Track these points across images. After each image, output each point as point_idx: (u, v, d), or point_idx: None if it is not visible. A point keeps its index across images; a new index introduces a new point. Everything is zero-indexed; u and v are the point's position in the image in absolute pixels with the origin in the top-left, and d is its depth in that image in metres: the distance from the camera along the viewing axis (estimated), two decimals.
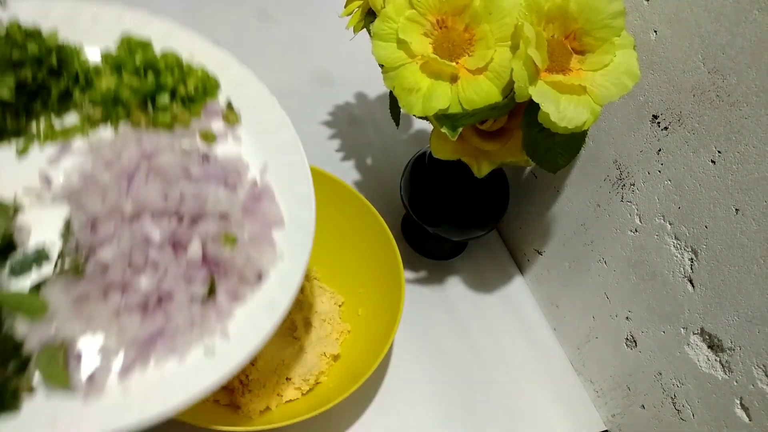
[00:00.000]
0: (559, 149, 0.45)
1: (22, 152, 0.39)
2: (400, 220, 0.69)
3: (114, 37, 0.42)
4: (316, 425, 0.51)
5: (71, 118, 0.41)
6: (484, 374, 0.60)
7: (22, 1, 0.41)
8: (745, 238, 0.41)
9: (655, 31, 0.45)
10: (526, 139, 0.44)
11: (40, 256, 0.36)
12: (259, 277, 0.38)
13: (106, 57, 0.42)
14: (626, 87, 0.40)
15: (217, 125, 0.43)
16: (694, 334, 0.47)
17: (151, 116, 0.41)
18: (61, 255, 0.36)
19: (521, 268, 0.69)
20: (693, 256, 0.46)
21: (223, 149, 0.42)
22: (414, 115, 0.43)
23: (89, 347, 0.34)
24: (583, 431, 0.58)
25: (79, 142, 0.40)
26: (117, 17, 0.43)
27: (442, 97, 0.41)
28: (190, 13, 0.53)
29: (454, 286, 0.66)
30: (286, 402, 0.51)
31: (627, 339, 0.54)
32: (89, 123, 0.41)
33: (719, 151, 0.42)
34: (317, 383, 0.53)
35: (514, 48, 0.40)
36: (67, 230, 0.37)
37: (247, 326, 0.37)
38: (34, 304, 0.34)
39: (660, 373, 0.51)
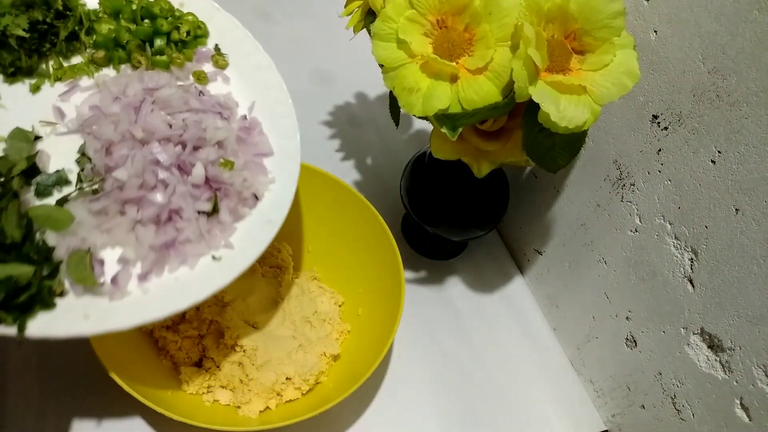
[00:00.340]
0: (559, 149, 0.45)
1: (35, 89, 0.43)
2: (400, 220, 0.69)
3: None
4: (316, 425, 0.51)
5: (77, 60, 0.45)
6: (484, 374, 0.60)
7: None
8: (745, 238, 0.41)
9: (655, 31, 0.45)
10: (526, 139, 0.44)
11: (61, 179, 0.40)
12: (256, 197, 0.44)
13: (103, 3, 0.46)
14: (626, 87, 0.40)
15: (208, 68, 0.47)
16: (694, 334, 0.47)
17: (149, 58, 0.46)
18: (79, 178, 0.41)
19: (521, 268, 0.69)
20: (693, 256, 0.46)
21: (214, 88, 0.47)
22: (414, 115, 0.43)
23: (111, 257, 0.39)
24: (583, 431, 0.58)
25: (86, 81, 0.44)
26: None
27: (442, 97, 0.41)
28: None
29: (454, 286, 0.66)
30: (286, 402, 0.51)
31: (627, 339, 0.54)
32: (94, 64, 0.45)
33: (719, 151, 0.42)
34: (317, 383, 0.53)
35: (514, 48, 0.40)
36: (83, 156, 0.41)
37: (248, 238, 0.42)
38: (61, 217, 0.39)
39: (660, 373, 0.51)
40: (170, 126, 0.43)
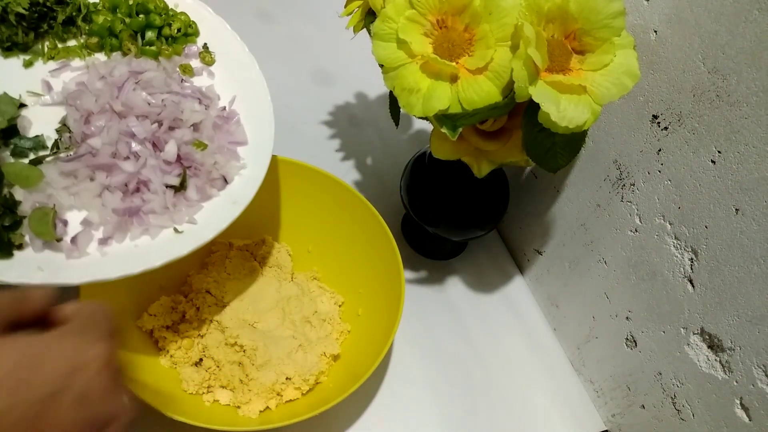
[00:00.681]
0: (559, 149, 0.45)
1: (27, 65, 0.47)
2: (400, 220, 0.69)
3: None
4: (316, 425, 0.51)
5: (72, 44, 0.49)
6: (484, 374, 0.60)
7: None
8: (745, 238, 0.41)
9: (655, 31, 0.45)
10: (526, 139, 0.44)
11: (38, 143, 0.43)
12: (225, 180, 0.46)
13: None
14: (626, 87, 0.40)
15: (195, 63, 0.51)
16: (694, 334, 0.47)
17: (139, 47, 0.49)
18: (56, 144, 0.43)
19: (521, 268, 0.69)
20: (693, 256, 0.46)
21: (198, 81, 0.50)
22: (414, 115, 0.43)
23: (75, 219, 0.41)
24: (583, 431, 0.58)
25: (77, 62, 0.48)
26: None
27: (442, 97, 0.41)
28: None
29: (454, 286, 0.66)
30: (286, 402, 0.51)
31: (627, 339, 0.54)
32: (87, 49, 0.49)
33: (719, 151, 0.42)
34: (317, 383, 0.53)
35: (514, 48, 0.40)
36: (63, 126, 0.44)
37: (212, 215, 0.44)
38: (31, 174, 0.41)
39: (660, 373, 0.51)
40: (149, 104, 0.46)
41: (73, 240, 0.40)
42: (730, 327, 0.43)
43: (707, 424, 0.47)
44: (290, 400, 0.51)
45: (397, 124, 0.53)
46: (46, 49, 0.47)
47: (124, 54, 0.49)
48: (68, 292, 0.41)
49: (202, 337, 0.53)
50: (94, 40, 0.49)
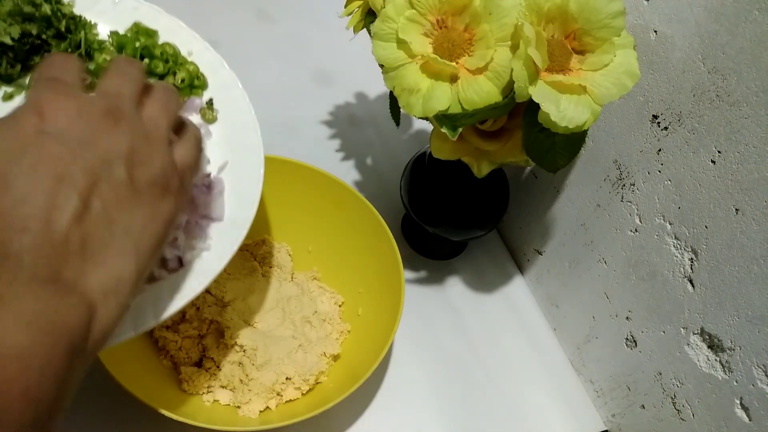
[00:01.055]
0: (559, 149, 0.45)
1: (7, 98, 0.42)
2: (400, 220, 0.69)
3: (128, 22, 0.47)
4: (316, 425, 0.51)
5: None
6: (484, 374, 0.60)
7: None
8: (745, 238, 0.41)
9: (655, 31, 0.45)
10: (526, 139, 0.44)
11: None
12: (181, 262, 0.40)
13: (113, 35, 0.46)
14: (626, 87, 0.40)
15: (196, 119, 0.46)
16: (694, 334, 0.47)
17: None
18: None
19: (521, 268, 0.69)
20: (693, 256, 0.46)
21: None
22: (414, 116, 0.43)
23: None
24: (583, 431, 0.58)
25: None
26: (134, 7, 0.47)
27: (442, 97, 0.41)
28: (191, 13, 0.53)
29: (454, 286, 0.66)
30: (286, 402, 0.51)
31: (627, 339, 0.54)
32: None
33: (719, 151, 0.42)
34: (317, 383, 0.53)
35: (514, 48, 0.40)
36: None
37: (153, 299, 0.38)
38: None
39: (660, 373, 0.51)
40: None
41: None
42: (730, 327, 0.43)
43: (707, 424, 0.47)
44: (290, 400, 0.51)
45: (397, 124, 0.53)
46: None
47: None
48: None
49: (202, 337, 0.53)
50: (87, 80, 0.46)
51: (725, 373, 0.44)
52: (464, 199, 0.59)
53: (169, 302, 0.38)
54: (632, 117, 0.49)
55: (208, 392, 0.50)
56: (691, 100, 0.43)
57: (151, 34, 0.47)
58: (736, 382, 0.43)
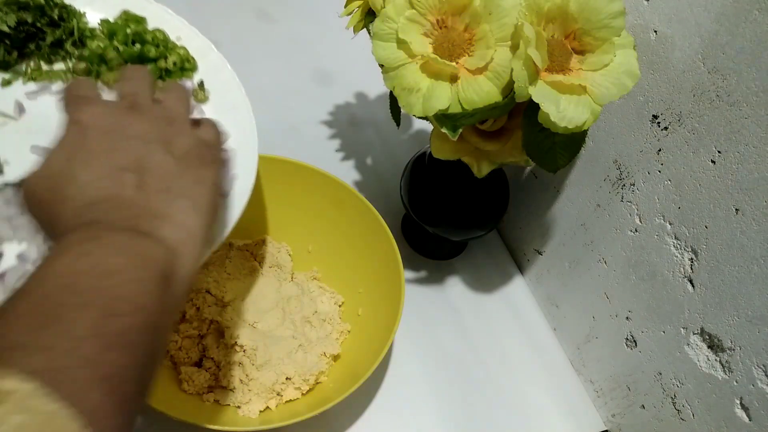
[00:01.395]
0: (559, 149, 0.45)
1: (5, 83, 0.44)
2: (400, 220, 0.69)
3: (116, 11, 0.49)
4: (316, 425, 0.51)
5: (58, 66, 0.47)
6: (484, 374, 0.60)
7: None
8: (745, 238, 0.41)
9: (655, 31, 0.45)
10: (526, 139, 0.44)
11: None
12: None
13: (103, 23, 0.48)
14: (626, 87, 0.40)
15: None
16: (694, 334, 0.47)
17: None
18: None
19: (521, 268, 0.69)
20: (693, 256, 0.46)
21: None
22: (414, 115, 0.43)
23: (11, 252, 0.39)
24: (583, 431, 0.58)
25: (59, 85, 0.45)
26: None
27: (442, 97, 0.41)
28: (191, 13, 0.53)
29: (454, 286, 0.66)
30: (286, 402, 0.51)
31: (627, 339, 0.54)
32: (72, 73, 0.47)
33: (719, 151, 0.42)
34: (317, 383, 0.53)
35: (514, 48, 0.40)
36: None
37: None
38: None
39: (660, 373, 0.51)
40: None
41: (2, 275, 0.38)
42: (730, 327, 0.43)
43: (707, 424, 0.47)
44: (290, 400, 0.51)
45: (397, 124, 0.53)
46: (29, 70, 0.45)
47: (105, 84, 0.47)
48: None
49: (202, 337, 0.53)
50: (82, 65, 0.47)
51: (725, 373, 0.44)
52: (464, 199, 0.59)
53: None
54: (632, 117, 0.49)
55: (208, 392, 0.50)
56: (691, 100, 0.43)
57: (140, 21, 0.49)
58: (736, 382, 0.43)
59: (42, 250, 0.39)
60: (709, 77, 0.42)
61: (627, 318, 0.53)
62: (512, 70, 0.39)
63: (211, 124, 0.36)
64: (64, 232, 0.28)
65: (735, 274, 0.42)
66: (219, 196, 0.35)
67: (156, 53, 0.48)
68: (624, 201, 0.52)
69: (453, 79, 0.42)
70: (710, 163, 0.43)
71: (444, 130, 0.42)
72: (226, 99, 0.49)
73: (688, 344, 0.47)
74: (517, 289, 0.67)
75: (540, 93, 0.39)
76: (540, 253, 0.65)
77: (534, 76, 0.39)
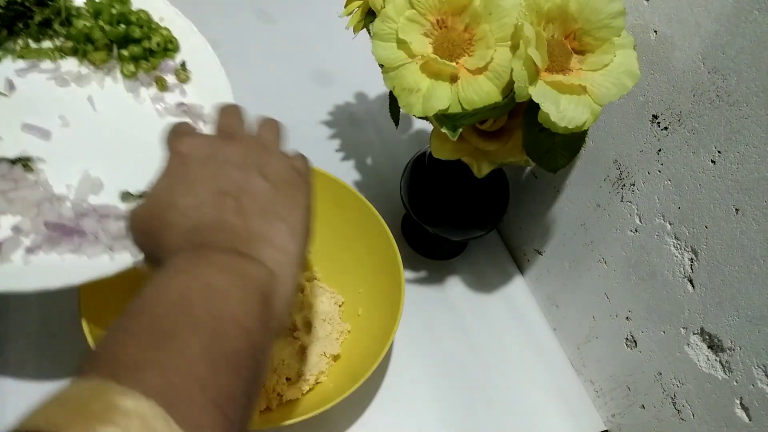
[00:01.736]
0: (559, 149, 0.45)
1: None
2: (400, 220, 0.69)
3: None
4: (316, 425, 0.51)
5: (46, 45, 0.49)
6: (484, 374, 0.60)
7: None
8: (745, 238, 0.41)
9: (655, 31, 0.45)
10: (526, 139, 0.44)
11: None
12: None
13: (89, 2, 0.50)
14: (626, 87, 0.40)
15: (170, 79, 0.51)
16: (694, 334, 0.47)
17: (115, 58, 0.50)
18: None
19: (521, 268, 0.69)
20: (693, 256, 0.46)
21: (170, 98, 0.51)
22: (414, 115, 0.43)
23: (6, 224, 0.40)
24: (583, 431, 0.58)
25: (47, 63, 0.48)
26: None
27: (442, 97, 0.41)
28: (191, 13, 0.54)
29: (454, 286, 0.66)
30: (286, 402, 0.51)
31: (627, 339, 0.54)
32: (60, 51, 0.49)
33: (719, 151, 0.42)
34: (317, 383, 0.53)
35: (514, 48, 0.40)
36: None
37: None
38: None
39: (660, 373, 0.51)
40: None
41: None
42: (730, 327, 0.43)
43: (707, 424, 0.47)
44: (290, 400, 0.51)
45: (397, 124, 0.53)
46: (18, 48, 0.47)
47: (92, 63, 0.49)
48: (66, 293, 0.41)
49: None
50: (69, 44, 0.48)
51: (725, 373, 0.44)
52: (464, 199, 0.59)
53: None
54: (632, 117, 0.49)
55: None
56: (691, 100, 0.43)
57: (124, 1, 0.50)
58: (736, 382, 0.43)
59: (36, 222, 0.40)
60: (709, 77, 0.42)
61: (627, 318, 0.53)
62: (512, 70, 0.39)
63: (300, 154, 0.37)
64: (169, 256, 0.30)
65: (735, 274, 0.42)
66: (312, 220, 0.35)
67: (140, 34, 0.49)
68: (624, 201, 0.52)
69: (453, 79, 0.42)
70: (710, 163, 0.43)
71: (444, 130, 0.42)
72: (207, 81, 0.51)
73: (688, 344, 0.47)
74: (517, 289, 0.67)
75: (540, 93, 0.39)
76: (540, 253, 0.65)
77: (534, 76, 0.39)
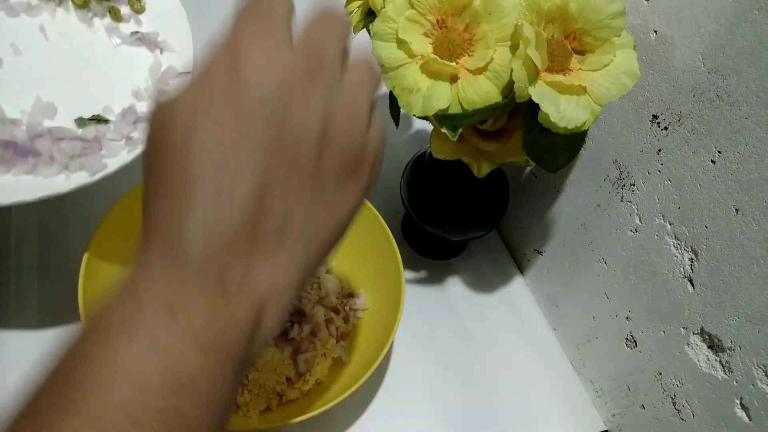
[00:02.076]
0: (559, 149, 0.45)
1: None
2: (400, 220, 0.69)
3: None
4: (316, 425, 0.51)
5: None
6: (484, 374, 0.60)
7: None
8: (745, 238, 0.41)
9: (655, 31, 0.45)
10: (526, 139, 0.44)
11: None
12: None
13: None
14: (626, 87, 0.40)
15: (124, 9, 0.52)
16: (694, 334, 0.47)
17: None
18: None
19: (521, 268, 0.69)
20: (693, 256, 0.46)
21: (125, 28, 0.52)
22: (414, 115, 0.43)
23: None
24: (583, 431, 0.58)
25: None
26: None
27: (442, 97, 0.41)
28: (190, 13, 0.54)
29: (454, 286, 0.66)
30: (286, 402, 0.51)
31: (627, 339, 0.54)
32: None
33: (719, 151, 0.42)
34: (317, 383, 0.53)
35: (514, 48, 0.40)
36: None
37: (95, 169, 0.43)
38: None
39: (660, 373, 0.51)
40: None
41: None
42: (730, 327, 0.43)
43: (707, 424, 0.47)
44: (290, 400, 0.51)
45: (397, 124, 0.53)
46: None
47: None
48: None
49: None
50: None
51: (725, 373, 0.44)
52: (464, 199, 0.59)
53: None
54: (632, 117, 0.49)
55: None
56: (691, 100, 0.43)
57: None
58: (736, 382, 0.43)
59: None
60: (709, 77, 0.42)
61: (627, 318, 0.53)
62: (512, 70, 0.39)
63: (381, 130, 0.28)
64: (138, 259, 0.22)
65: (735, 274, 0.42)
66: (346, 230, 0.27)
67: None
68: (624, 201, 0.52)
69: (453, 79, 0.42)
70: (710, 163, 0.43)
71: (444, 130, 0.42)
72: (162, 8, 0.52)
73: (688, 344, 0.47)
74: (517, 289, 0.67)
75: (540, 93, 0.39)
76: (540, 253, 0.65)
77: (534, 76, 0.39)
